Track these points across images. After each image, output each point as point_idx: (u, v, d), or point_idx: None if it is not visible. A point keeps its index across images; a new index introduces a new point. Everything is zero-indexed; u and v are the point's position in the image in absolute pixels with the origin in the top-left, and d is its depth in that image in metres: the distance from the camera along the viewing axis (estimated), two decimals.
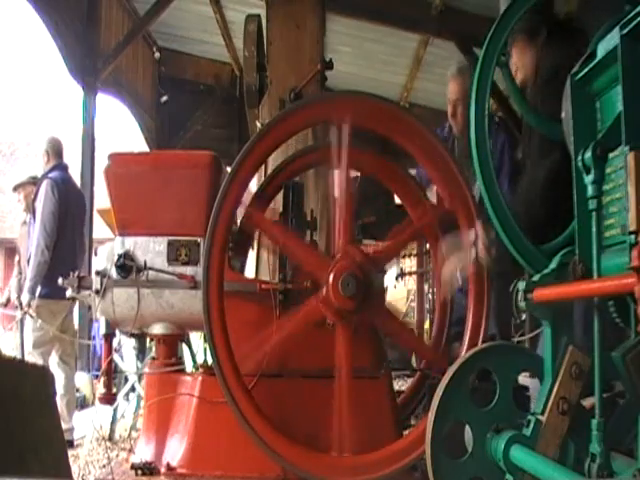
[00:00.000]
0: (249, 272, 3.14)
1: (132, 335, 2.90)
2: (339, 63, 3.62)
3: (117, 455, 4.06)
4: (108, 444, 4.41)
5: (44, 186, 4.72)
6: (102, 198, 3.67)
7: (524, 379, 2.27)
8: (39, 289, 4.53)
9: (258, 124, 3.48)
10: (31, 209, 4.88)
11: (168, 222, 2.73)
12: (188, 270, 2.70)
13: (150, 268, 2.68)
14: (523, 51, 2.54)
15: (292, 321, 2.48)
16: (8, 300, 5.69)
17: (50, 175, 4.80)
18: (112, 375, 2.86)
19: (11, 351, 5.03)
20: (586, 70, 1.78)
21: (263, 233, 2.84)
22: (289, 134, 2.65)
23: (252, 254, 3.15)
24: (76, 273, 2.78)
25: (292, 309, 2.54)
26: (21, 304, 4.59)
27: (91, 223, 6.73)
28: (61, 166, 4.94)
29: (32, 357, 4.45)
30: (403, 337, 2.80)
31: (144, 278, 2.70)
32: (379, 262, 2.58)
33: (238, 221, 2.95)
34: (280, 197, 2.94)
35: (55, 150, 4.96)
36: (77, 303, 4.85)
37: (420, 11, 6.93)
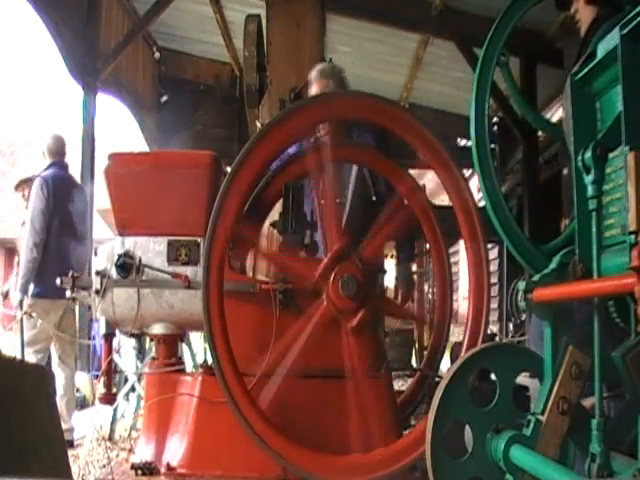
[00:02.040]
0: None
1: (132, 335, 2.89)
2: (339, 63, 3.62)
3: (117, 455, 4.06)
4: (108, 444, 4.40)
5: (34, 185, 4.69)
6: (102, 198, 3.66)
7: (524, 379, 2.27)
8: (32, 288, 4.51)
9: (258, 124, 3.48)
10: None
11: (168, 222, 2.73)
12: (188, 270, 2.70)
13: (146, 266, 2.68)
14: (585, 6, 2.55)
15: (303, 331, 2.48)
16: (7, 293, 5.68)
17: (43, 174, 4.76)
18: (112, 375, 2.85)
19: (11, 351, 5.03)
20: (586, 70, 1.78)
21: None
22: (289, 134, 2.65)
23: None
24: (72, 272, 2.77)
25: (293, 311, 2.54)
26: (22, 304, 4.58)
27: (91, 223, 6.73)
28: (58, 164, 4.87)
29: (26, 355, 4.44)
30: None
31: (144, 278, 2.70)
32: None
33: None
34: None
35: (51, 149, 4.90)
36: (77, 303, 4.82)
37: (420, 11, 6.94)
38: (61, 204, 4.73)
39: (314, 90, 3.35)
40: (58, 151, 4.94)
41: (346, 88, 3.41)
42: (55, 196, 4.70)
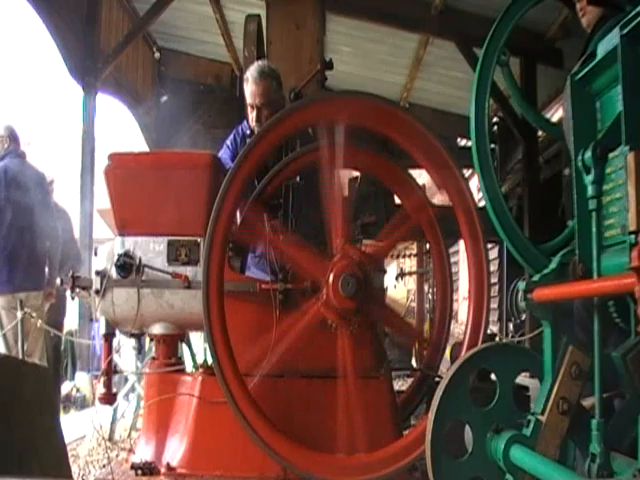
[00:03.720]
0: None
1: (132, 335, 2.90)
2: (339, 63, 3.62)
3: (117, 455, 4.06)
4: (108, 444, 4.40)
5: None
6: (102, 198, 3.65)
7: (524, 379, 2.27)
8: None
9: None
10: None
11: (168, 222, 2.73)
12: (188, 270, 2.70)
13: (145, 266, 2.68)
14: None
15: (295, 327, 2.47)
16: None
17: None
18: (112, 375, 2.85)
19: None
20: (586, 70, 1.78)
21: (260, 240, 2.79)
22: (288, 134, 2.65)
23: None
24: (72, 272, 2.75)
25: (293, 311, 2.54)
26: (21, 303, 4.55)
27: (91, 223, 6.74)
28: (10, 154, 4.66)
29: None
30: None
31: (144, 278, 2.70)
32: (376, 259, 2.59)
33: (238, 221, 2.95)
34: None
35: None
36: (42, 302, 4.71)
37: (420, 11, 6.94)
38: (8, 197, 4.49)
39: (254, 90, 3.10)
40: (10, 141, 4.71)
41: (282, 89, 3.23)
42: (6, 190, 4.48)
